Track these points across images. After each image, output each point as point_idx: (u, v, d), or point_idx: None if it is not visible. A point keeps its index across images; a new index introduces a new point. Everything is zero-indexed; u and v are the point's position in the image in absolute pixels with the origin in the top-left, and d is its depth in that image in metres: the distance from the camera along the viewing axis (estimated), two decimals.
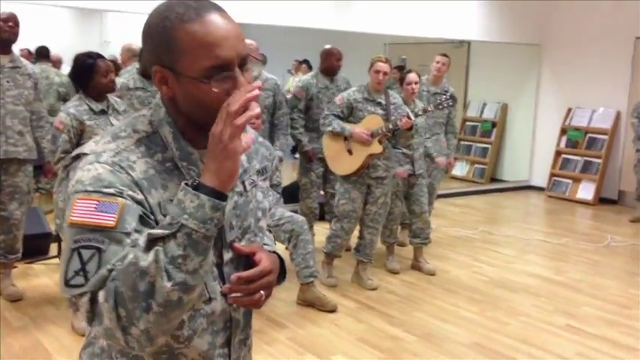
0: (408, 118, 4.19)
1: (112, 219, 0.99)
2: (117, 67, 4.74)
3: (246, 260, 1.18)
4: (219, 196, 0.99)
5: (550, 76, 8.46)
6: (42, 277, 4.46)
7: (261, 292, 1.14)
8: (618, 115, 7.77)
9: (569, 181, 8.10)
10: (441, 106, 4.49)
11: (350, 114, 4.38)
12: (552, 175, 8.26)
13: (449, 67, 5.39)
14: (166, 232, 0.97)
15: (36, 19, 5.57)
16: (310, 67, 9.02)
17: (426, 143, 5.14)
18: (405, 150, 4.72)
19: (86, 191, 1.01)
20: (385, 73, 4.33)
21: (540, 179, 8.49)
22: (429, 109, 4.45)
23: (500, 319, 4.04)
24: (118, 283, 0.97)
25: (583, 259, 5.47)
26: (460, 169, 9.04)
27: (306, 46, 8.72)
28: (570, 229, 6.55)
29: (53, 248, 4.74)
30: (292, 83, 9.14)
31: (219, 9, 1.06)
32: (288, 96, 5.33)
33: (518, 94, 8.77)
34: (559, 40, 8.23)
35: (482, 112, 9.10)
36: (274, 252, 1.28)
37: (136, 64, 4.56)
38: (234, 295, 1.12)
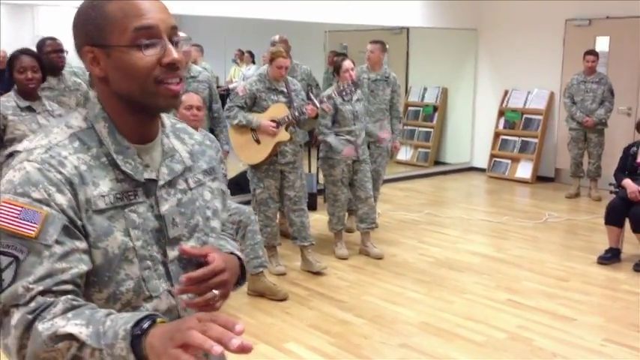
0: (314, 105, 4.33)
1: (34, 229, 1.00)
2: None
3: (198, 260, 1.18)
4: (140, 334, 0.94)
5: (487, 59, 8.69)
6: None
7: (214, 291, 1.13)
8: (552, 96, 8.06)
9: (508, 161, 8.37)
10: (344, 92, 4.61)
11: (253, 104, 4.43)
12: (492, 156, 8.51)
13: (382, 52, 5.47)
14: (87, 341, 0.95)
15: None
16: (253, 57, 8.99)
17: (370, 128, 5.23)
18: (347, 136, 4.80)
19: (15, 193, 1.02)
20: (286, 68, 4.43)
21: (481, 160, 8.74)
22: (333, 95, 4.61)
23: (446, 298, 4.18)
24: (29, 338, 0.96)
25: (522, 235, 5.69)
26: (404, 153, 9.20)
27: (247, 35, 8.69)
28: (510, 208, 6.79)
29: None
30: (237, 73, 9.08)
31: None
32: (231, 85, 5.30)
33: (457, 78, 8.98)
34: (494, 25, 8.45)
35: (423, 96, 9.27)
36: (233, 253, 1.27)
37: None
38: (184, 297, 1.12)
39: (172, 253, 1.17)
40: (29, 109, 3.40)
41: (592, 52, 6.94)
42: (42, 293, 0.98)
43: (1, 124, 3.33)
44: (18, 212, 1.00)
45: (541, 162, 8.13)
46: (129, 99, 1.10)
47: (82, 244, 1.04)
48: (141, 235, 1.11)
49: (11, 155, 1.09)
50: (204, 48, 7.79)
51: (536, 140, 8.11)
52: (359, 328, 3.71)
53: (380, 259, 4.94)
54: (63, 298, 0.99)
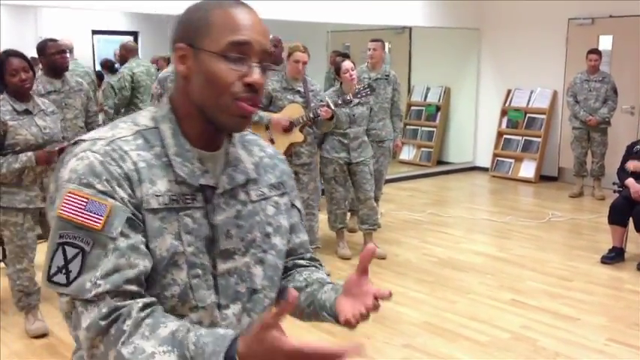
0: (328, 107, 4.29)
1: (99, 221, 1.00)
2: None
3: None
4: None
5: (490, 59, 8.68)
6: None
7: None
8: (555, 95, 8.04)
9: (512, 160, 8.35)
10: (359, 95, 4.56)
11: (270, 104, 4.42)
12: (495, 155, 8.50)
13: (384, 51, 5.47)
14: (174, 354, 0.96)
15: None
16: None
17: (374, 128, 5.22)
18: (340, 138, 4.78)
19: (80, 184, 1.02)
20: (304, 63, 4.39)
21: (484, 160, 8.73)
22: (349, 98, 4.53)
23: (449, 298, 4.17)
24: (102, 341, 0.98)
25: (526, 235, 5.68)
26: (407, 153, 9.20)
27: None
28: (513, 207, 6.77)
29: None
30: None
31: (256, 14, 1.11)
32: None
33: (460, 77, 8.97)
34: (497, 24, 8.44)
35: (426, 96, 9.26)
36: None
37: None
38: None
39: (222, 266, 1.13)
40: (26, 112, 3.37)
41: (595, 51, 6.93)
42: (110, 294, 0.98)
43: (0, 130, 3.31)
44: (84, 203, 1.00)
45: (544, 161, 8.12)
46: (202, 107, 1.09)
47: (144, 238, 1.04)
48: (193, 241, 1.08)
49: (76, 143, 1.10)
50: None
51: (539, 139, 8.10)
52: (362, 327, 3.66)
53: (383, 259, 4.94)
54: (135, 307, 0.99)
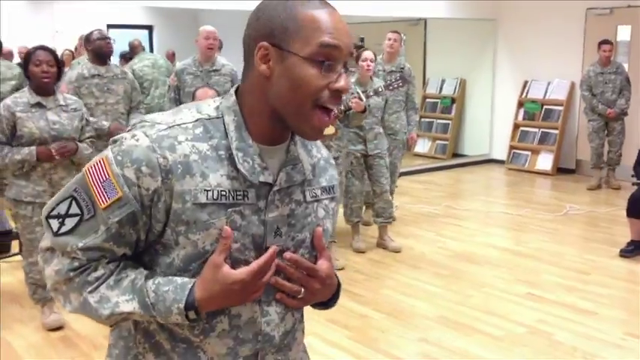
0: (360, 99, 4.24)
1: (106, 201, 1.04)
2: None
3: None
4: (192, 308, 1.05)
5: (506, 50, 8.59)
6: (5, 275, 4.39)
7: (302, 289, 1.13)
8: (573, 86, 7.94)
9: (528, 152, 8.28)
10: (391, 87, 4.54)
11: None
12: (511, 147, 8.42)
13: (401, 43, 5.43)
14: (140, 313, 1.06)
15: None
16: None
17: (388, 121, 5.19)
18: (357, 130, 4.75)
19: (114, 158, 1.04)
20: None
21: (500, 152, 8.66)
22: (381, 89, 4.49)
23: (464, 291, 4.15)
24: (65, 282, 1.08)
25: (542, 228, 5.62)
26: (422, 145, 9.15)
27: None
28: (530, 200, 6.71)
29: (15, 246, 4.67)
30: None
31: (336, 10, 1.09)
32: None
33: (475, 69, 8.89)
34: (514, 15, 8.35)
35: (441, 88, 9.20)
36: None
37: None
38: (274, 274, 1.10)
39: None
40: (39, 105, 3.38)
41: (608, 42, 6.84)
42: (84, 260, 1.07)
43: (10, 121, 3.32)
44: (105, 178, 1.04)
45: (562, 153, 8.03)
46: (279, 110, 1.07)
47: (138, 235, 1.08)
48: (240, 237, 1.07)
49: (141, 122, 1.10)
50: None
51: (556, 131, 8.01)
52: (377, 321, 3.70)
53: (398, 252, 4.92)
54: (103, 262, 1.08)
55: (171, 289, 1.04)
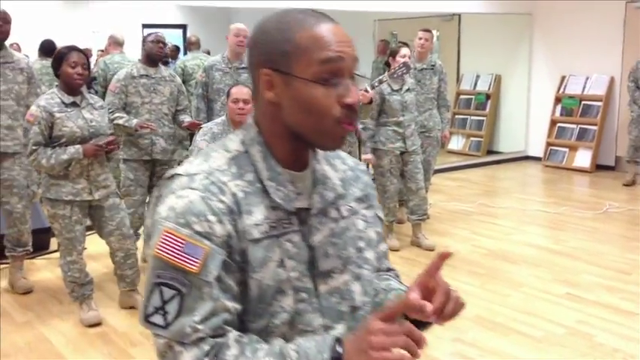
0: (366, 91, 4.23)
1: (196, 264, 0.98)
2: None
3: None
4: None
5: (542, 45, 8.42)
6: (44, 271, 4.48)
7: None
8: (612, 81, 7.75)
9: (566, 149, 8.11)
10: (395, 75, 4.52)
11: None
12: (548, 144, 8.26)
13: (432, 41, 5.37)
14: None
15: (25, 12, 5.52)
16: None
17: (421, 119, 5.15)
18: (395, 127, 4.72)
19: (177, 223, 1.00)
20: None
21: (537, 149, 8.50)
22: (384, 79, 4.51)
23: (501, 291, 4.07)
24: None
25: (581, 227, 5.50)
26: (456, 142, 9.04)
27: None
28: (568, 198, 6.57)
29: (53, 243, 4.76)
30: None
31: (335, 22, 1.06)
32: None
33: (511, 64, 8.74)
34: (550, 9, 8.18)
35: (475, 84, 9.07)
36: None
37: (123, 53, 4.56)
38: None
39: (324, 287, 1.10)
40: (74, 104, 3.44)
41: None
42: (210, 335, 0.99)
43: (48, 122, 3.38)
44: (181, 245, 0.99)
45: (601, 150, 7.84)
46: (297, 132, 1.05)
47: (236, 279, 1.03)
48: (295, 265, 1.06)
49: (172, 178, 1.07)
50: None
51: (595, 127, 7.83)
52: None
53: (432, 250, 4.86)
54: (232, 337, 1.00)
55: (314, 345, 0.99)
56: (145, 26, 7.48)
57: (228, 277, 1.01)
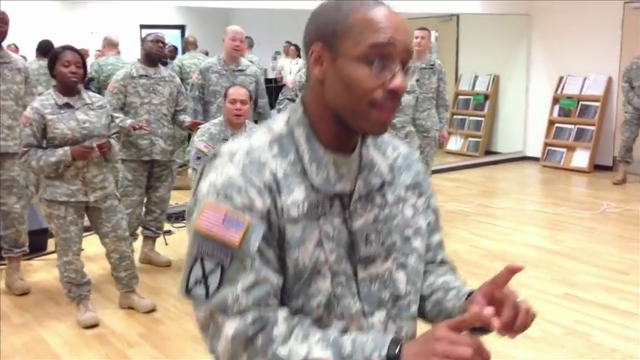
0: None
1: (237, 237, 0.99)
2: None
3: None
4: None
5: (540, 45, 8.42)
6: (41, 272, 4.47)
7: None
8: (610, 81, 7.76)
9: (564, 149, 8.11)
10: None
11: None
12: (546, 144, 8.27)
13: (430, 39, 5.37)
14: (329, 357, 0.97)
15: (23, 13, 5.51)
16: (299, 51, 8.96)
17: (418, 118, 5.15)
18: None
19: (218, 198, 1.00)
20: None
21: (535, 149, 8.51)
22: None
23: None
24: (246, 350, 0.99)
25: (579, 227, 5.50)
26: (454, 143, 9.05)
27: (295, 28, 8.67)
28: (566, 198, 6.57)
29: (51, 244, 4.75)
30: (285, 65, 9.04)
31: (392, 9, 1.05)
32: (292, 77, 5.25)
33: (509, 65, 8.75)
34: (548, 9, 8.18)
35: (474, 85, 9.08)
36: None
37: (119, 55, 4.55)
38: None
39: (364, 273, 1.09)
40: (67, 105, 3.41)
41: None
42: (253, 306, 0.99)
43: (40, 124, 3.35)
44: (222, 218, 0.99)
45: (598, 150, 7.85)
46: (337, 112, 1.04)
47: (276, 254, 1.02)
48: (335, 248, 1.05)
49: (215, 156, 1.08)
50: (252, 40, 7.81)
51: (593, 128, 7.83)
52: None
53: None
54: (281, 315, 1.00)
55: (371, 339, 0.99)
56: (143, 27, 7.49)
57: (269, 250, 1.01)
